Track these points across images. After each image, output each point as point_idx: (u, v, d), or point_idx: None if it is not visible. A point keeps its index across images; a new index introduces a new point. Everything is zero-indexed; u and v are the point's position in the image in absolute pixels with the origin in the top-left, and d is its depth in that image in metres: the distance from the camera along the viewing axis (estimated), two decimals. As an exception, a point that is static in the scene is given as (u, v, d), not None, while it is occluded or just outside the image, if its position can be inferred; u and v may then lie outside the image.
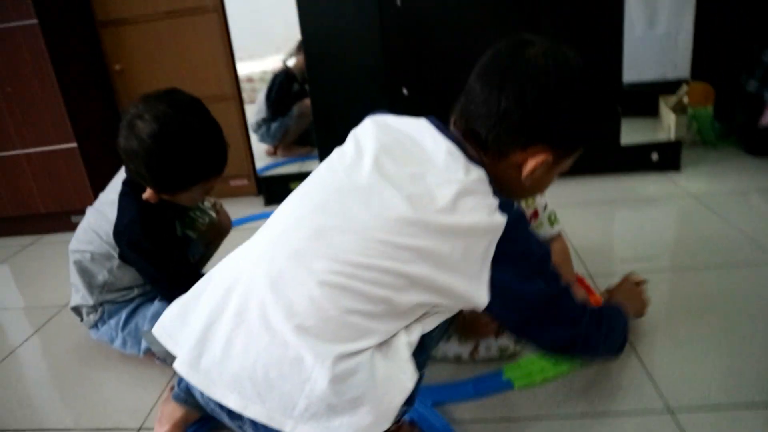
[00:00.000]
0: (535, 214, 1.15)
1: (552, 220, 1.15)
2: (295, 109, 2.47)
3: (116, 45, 2.09)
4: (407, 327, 0.65)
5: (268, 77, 2.12)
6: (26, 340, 1.35)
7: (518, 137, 0.68)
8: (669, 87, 1.94)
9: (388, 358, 0.62)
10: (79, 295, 1.14)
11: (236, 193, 2.26)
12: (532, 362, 1.02)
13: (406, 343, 0.64)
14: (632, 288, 1.07)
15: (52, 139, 1.92)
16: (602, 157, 1.98)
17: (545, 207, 1.15)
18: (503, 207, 0.65)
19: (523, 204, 1.14)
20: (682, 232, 1.55)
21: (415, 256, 0.62)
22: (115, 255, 1.09)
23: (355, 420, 0.60)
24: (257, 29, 2.01)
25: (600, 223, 1.64)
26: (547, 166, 0.70)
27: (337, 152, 0.75)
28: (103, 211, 1.10)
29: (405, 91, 1.92)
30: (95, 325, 1.16)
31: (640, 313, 1.06)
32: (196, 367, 0.64)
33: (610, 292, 1.09)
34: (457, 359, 1.05)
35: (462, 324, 1.04)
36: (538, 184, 0.75)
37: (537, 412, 0.91)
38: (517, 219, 0.65)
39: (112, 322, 1.14)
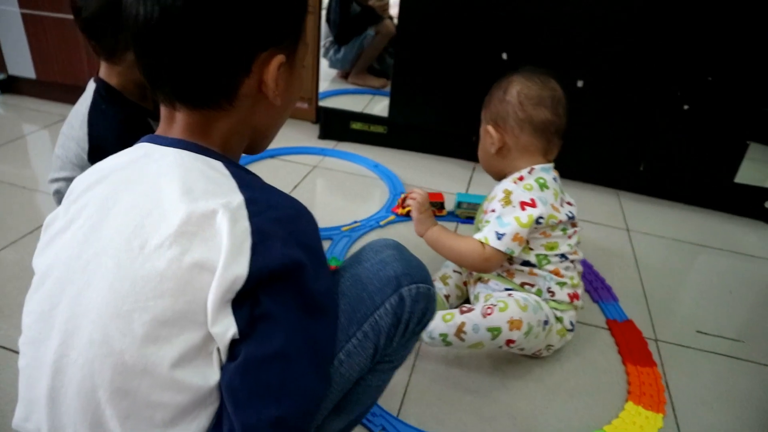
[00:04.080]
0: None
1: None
2: (372, 30, 2.12)
3: None
4: None
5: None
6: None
7: (225, 59, 0.50)
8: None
9: None
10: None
11: (294, 116, 2.07)
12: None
13: None
14: None
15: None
16: (708, 191, 1.67)
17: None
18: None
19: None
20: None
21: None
22: None
23: None
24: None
25: (669, 259, 1.37)
26: (286, 67, 0.54)
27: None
28: (68, 134, 0.96)
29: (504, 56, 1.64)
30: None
31: None
32: None
33: None
34: (444, 339, 0.91)
35: None
36: (292, 94, 0.61)
37: None
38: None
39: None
